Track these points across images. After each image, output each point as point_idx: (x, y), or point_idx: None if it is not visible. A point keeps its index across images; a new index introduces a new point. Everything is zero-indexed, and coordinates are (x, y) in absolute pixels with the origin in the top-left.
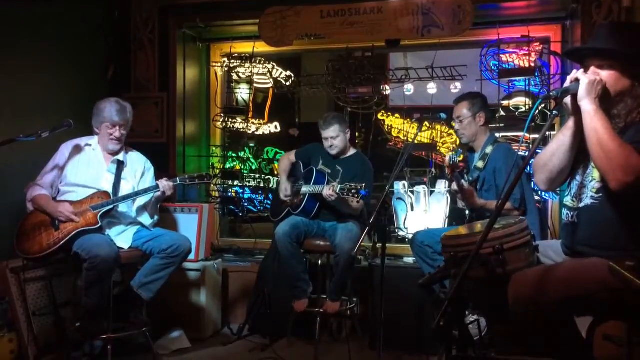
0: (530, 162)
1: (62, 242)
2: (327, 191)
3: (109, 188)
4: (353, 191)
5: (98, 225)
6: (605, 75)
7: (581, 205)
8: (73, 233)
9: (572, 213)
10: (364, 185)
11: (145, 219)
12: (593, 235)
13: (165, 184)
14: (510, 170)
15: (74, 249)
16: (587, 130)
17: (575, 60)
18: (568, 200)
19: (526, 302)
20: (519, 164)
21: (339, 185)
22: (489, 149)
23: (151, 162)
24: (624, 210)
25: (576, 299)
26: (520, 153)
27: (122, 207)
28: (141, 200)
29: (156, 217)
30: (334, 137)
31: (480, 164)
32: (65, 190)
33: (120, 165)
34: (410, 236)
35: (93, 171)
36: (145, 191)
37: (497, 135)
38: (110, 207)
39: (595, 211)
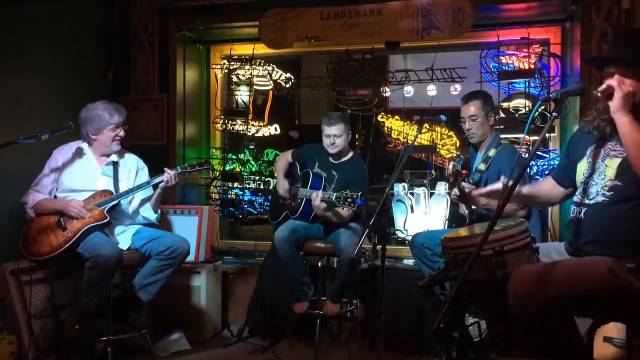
0: (531, 164)
1: (72, 240)
2: (316, 201)
3: (108, 188)
4: (349, 200)
5: (107, 220)
6: (630, 83)
7: (590, 201)
8: (83, 230)
9: (579, 209)
10: (359, 194)
11: (150, 214)
12: (599, 232)
13: (169, 172)
14: (512, 169)
15: (79, 248)
16: (626, 141)
17: (595, 66)
18: (577, 197)
19: (525, 298)
20: (520, 163)
21: (334, 194)
22: (492, 152)
23: (151, 164)
24: (629, 211)
25: (576, 296)
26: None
27: (123, 206)
28: (139, 197)
29: (159, 212)
30: (338, 135)
31: (482, 166)
32: (61, 197)
33: (116, 165)
34: (410, 238)
35: (88, 175)
36: (149, 183)
37: (507, 136)
38: (115, 202)
39: (604, 208)
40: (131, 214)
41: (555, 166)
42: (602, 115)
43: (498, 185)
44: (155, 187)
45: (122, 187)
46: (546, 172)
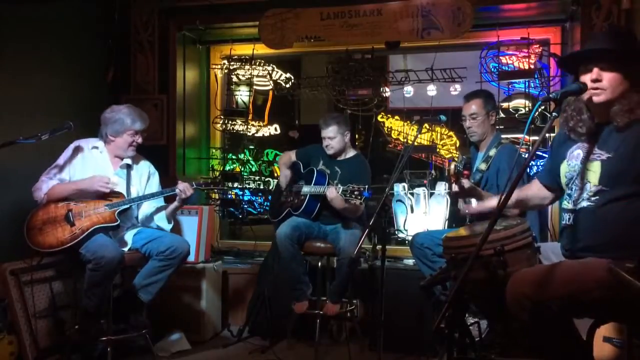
0: (531, 164)
1: (79, 238)
2: (332, 194)
3: (120, 191)
4: (355, 192)
5: (117, 223)
6: (610, 76)
7: (578, 207)
8: (92, 229)
9: (569, 215)
10: (366, 187)
11: (164, 224)
12: (592, 237)
13: (184, 184)
14: (511, 169)
15: (81, 248)
16: None
17: (566, 66)
18: (566, 204)
19: (524, 300)
20: (520, 163)
21: (341, 187)
22: (492, 152)
23: (151, 164)
24: (620, 212)
25: (575, 297)
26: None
27: (131, 210)
28: (151, 205)
29: (172, 223)
30: (331, 137)
31: (482, 166)
32: None
33: (129, 169)
34: (410, 238)
35: (100, 174)
36: (162, 193)
37: (506, 136)
38: (127, 206)
39: (591, 213)
40: (142, 219)
41: (543, 173)
42: (577, 116)
43: (493, 204)
44: (167, 198)
45: (133, 191)
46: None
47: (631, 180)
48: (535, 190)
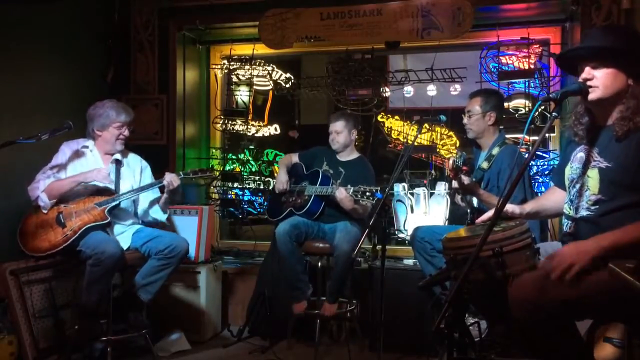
0: (531, 164)
1: (72, 239)
2: (342, 194)
3: (110, 187)
4: (367, 193)
5: (107, 220)
6: (602, 74)
7: (578, 215)
8: (83, 229)
9: (570, 223)
10: (378, 188)
11: (159, 215)
12: None
13: (170, 175)
14: (511, 170)
15: (79, 246)
16: None
17: (566, 67)
18: (567, 209)
19: (527, 304)
20: (520, 164)
21: (352, 188)
22: (495, 150)
23: (151, 164)
24: (619, 222)
25: (576, 300)
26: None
27: (124, 205)
28: (147, 198)
29: (168, 212)
30: (338, 132)
31: (485, 165)
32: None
33: (119, 164)
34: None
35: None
36: (150, 186)
37: (506, 136)
38: (116, 202)
39: (592, 222)
40: (140, 214)
41: (554, 174)
42: (578, 120)
43: (489, 214)
44: (161, 189)
45: (125, 187)
46: (547, 176)
47: (629, 190)
48: (556, 197)
